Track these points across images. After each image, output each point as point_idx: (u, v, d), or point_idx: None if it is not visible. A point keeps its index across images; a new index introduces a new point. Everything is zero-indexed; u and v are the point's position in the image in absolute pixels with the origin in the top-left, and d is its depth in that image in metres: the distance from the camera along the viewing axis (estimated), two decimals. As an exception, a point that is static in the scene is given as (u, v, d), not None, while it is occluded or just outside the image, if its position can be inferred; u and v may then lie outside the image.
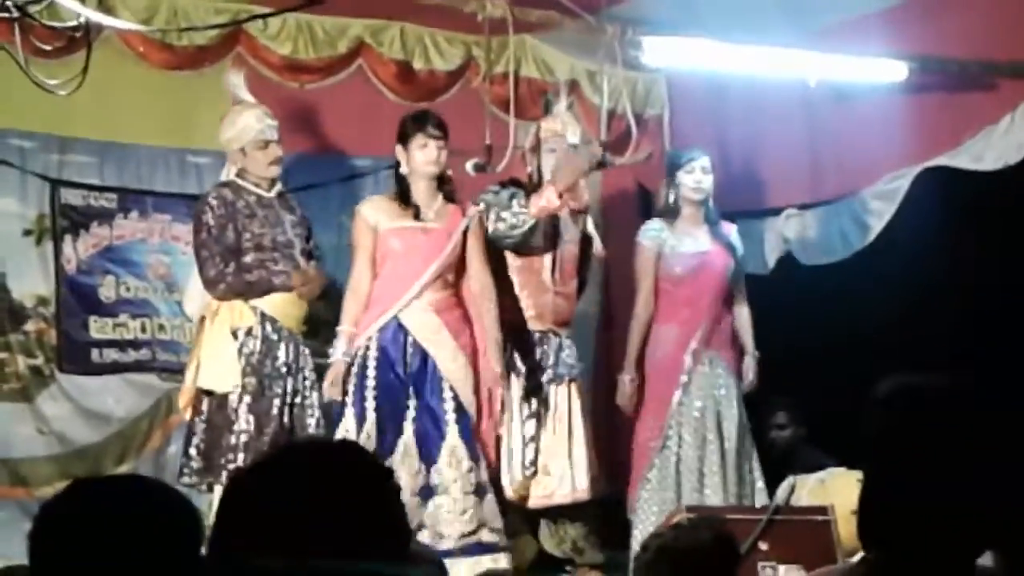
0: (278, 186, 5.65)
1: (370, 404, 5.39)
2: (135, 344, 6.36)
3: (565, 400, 5.68)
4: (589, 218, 5.79)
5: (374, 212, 5.53)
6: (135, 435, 6.33)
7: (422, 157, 5.47)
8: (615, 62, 6.23)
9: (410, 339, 5.44)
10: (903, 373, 2.20)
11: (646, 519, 5.90)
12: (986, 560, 2.09)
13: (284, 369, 5.49)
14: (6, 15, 3.99)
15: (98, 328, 6.32)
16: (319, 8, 5.84)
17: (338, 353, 5.42)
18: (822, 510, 5.27)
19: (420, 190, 5.52)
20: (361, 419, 5.37)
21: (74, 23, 4.19)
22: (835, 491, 5.53)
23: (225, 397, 5.41)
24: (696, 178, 6.10)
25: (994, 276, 6.08)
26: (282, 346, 5.50)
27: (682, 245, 6.12)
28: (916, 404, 2.12)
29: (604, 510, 6.17)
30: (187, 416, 5.55)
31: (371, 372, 5.42)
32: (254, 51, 6.24)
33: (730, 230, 6.29)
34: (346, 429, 5.36)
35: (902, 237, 6.33)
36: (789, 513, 5.30)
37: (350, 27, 6.44)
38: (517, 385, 5.57)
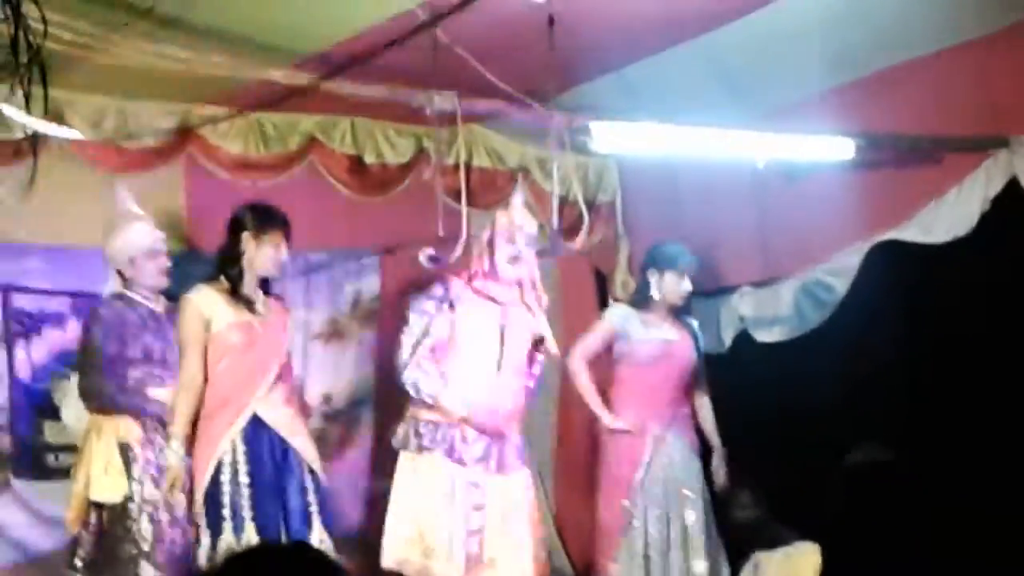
0: (163, 300, 5.67)
1: (247, 512, 5.22)
2: (91, 447, 6.29)
3: (512, 492, 5.57)
4: (544, 318, 5.68)
5: (208, 305, 5.36)
6: (93, 541, 6.25)
7: (271, 256, 5.40)
8: (564, 149, 6.26)
9: (274, 434, 5.35)
10: (862, 449, 2.19)
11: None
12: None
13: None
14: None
15: (53, 432, 6.25)
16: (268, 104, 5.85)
17: (176, 456, 5.24)
18: (783, 587, 5.26)
19: (248, 283, 5.42)
20: (239, 528, 5.19)
21: (21, 135, 4.17)
22: (800, 565, 5.52)
23: (121, 508, 5.40)
24: (687, 285, 6.18)
25: (948, 347, 6.10)
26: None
27: (649, 333, 6.19)
28: (874, 481, 2.12)
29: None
30: (74, 529, 5.51)
31: (243, 477, 5.25)
32: (205, 150, 6.23)
33: (694, 321, 6.36)
34: (227, 541, 5.17)
35: (857, 312, 6.36)
36: (753, 592, 5.29)
37: (300, 123, 6.44)
38: (461, 476, 5.46)
